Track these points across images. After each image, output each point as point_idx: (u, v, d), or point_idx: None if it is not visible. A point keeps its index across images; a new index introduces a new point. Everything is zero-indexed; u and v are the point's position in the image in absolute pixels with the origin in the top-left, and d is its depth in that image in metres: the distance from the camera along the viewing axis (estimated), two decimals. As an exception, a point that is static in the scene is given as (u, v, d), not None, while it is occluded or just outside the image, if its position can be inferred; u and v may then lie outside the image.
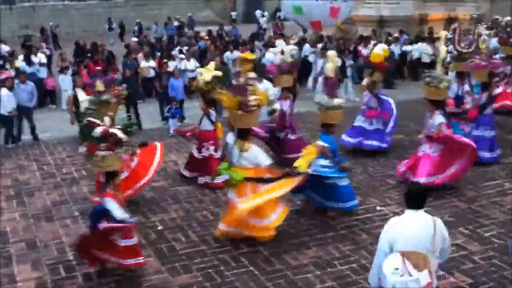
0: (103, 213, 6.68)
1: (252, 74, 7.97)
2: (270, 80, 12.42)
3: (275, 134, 11.00)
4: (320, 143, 8.22)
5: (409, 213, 4.85)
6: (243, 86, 7.84)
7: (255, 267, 7.04)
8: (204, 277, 6.85)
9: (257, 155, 7.80)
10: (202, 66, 19.09)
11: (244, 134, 7.88)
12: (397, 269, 4.55)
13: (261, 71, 14.04)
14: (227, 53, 19.40)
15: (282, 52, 11.24)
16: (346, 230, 8.01)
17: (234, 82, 8.00)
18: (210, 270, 7.00)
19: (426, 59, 20.22)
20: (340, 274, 6.83)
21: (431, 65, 20.10)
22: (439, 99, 9.44)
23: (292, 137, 10.97)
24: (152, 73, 17.94)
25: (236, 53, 19.34)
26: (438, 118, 9.17)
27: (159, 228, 8.29)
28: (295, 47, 12.10)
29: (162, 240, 7.85)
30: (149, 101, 16.46)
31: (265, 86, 11.62)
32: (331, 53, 9.27)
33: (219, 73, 9.98)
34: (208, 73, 9.90)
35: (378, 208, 8.68)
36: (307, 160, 8.04)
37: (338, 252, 7.38)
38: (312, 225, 8.19)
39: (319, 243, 7.66)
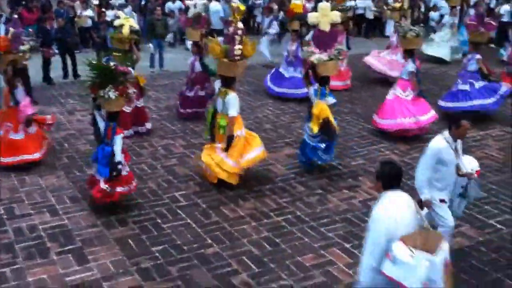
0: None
1: (241, 25, 8.00)
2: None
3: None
4: (331, 99, 8.28)
5: (393, 194, 4.30)
6: (232, 35, 7.71)
7: (192, 219, 7.06)
8: (140, 229, 6.82)
9: (230, 104, 7.69)
10: (144, 16, 18.79)
11: (228, 82, 7.81)
12: (412, 255, 4.02)
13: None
14: (169, 3, 18.92)
15: (195, 6, 11.55)
16: (283, 183, 8.12)
17: (226, 30, 8.19)
18: (146, 223, 6.97)
19: (369, 15, 20.39)
20: (276, 225, 6.95)
21: (375, 20, 20.41)
22: (411, 48, 9.97)
23: (202, 93, 10.81)
24: (89, 22, 17.30)
25: (178, 4, 18.90)
26: (410, 66, 9.77)
27: (95, 181, 8.14)
28: (205, 1, 12.58)
29: (98, 194, 7.72)
30: (86, 52, 15.90)
31: None
32: (324, 4, 8.85)
33: (135, 26, 10.21)
34: (125, 24, 9.95)
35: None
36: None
37: (275, 204, 7.49)
38: (250, 177, 8.25)
39: (256, 195, 7.74)
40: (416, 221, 4.27)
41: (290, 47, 12.52)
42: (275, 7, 18.19)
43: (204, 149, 7.99)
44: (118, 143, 7.01)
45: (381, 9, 18.94)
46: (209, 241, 6.58)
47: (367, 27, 20.73)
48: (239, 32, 7.70)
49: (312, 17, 8.60)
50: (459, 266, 5.83)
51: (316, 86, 8.17)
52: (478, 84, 10.61)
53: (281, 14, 17.26)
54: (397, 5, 13.87)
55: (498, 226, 6.85)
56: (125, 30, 9.86)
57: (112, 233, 6.73)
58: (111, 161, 6.92)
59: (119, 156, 7.00)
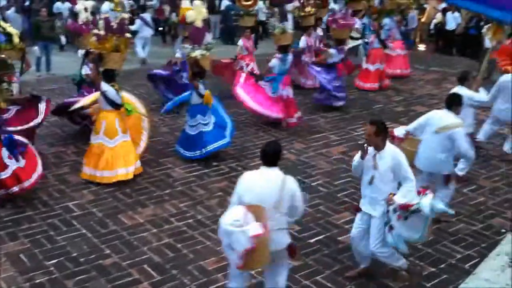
0: None
1: (126, 15, 8.90)
2: None
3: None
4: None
5: (262, 169, 4.74)
6: (121, 25, 8.15)
7: (88, 230, 6.78)
8: (32, 243, 6.45)
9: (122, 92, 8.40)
10: (29, 17, 17.84)
11: (114, 76, 8.19)
12: (237, 220, 4.44)
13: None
14: (58, 4, 18.16)
15: (86, 9, 10.56)
16: (183, 186, 8.02)
17: (111, 24, 8.17)
18: (38, 236, 6.60)
19: (262, 17, 20.73)
20: (177, 230, 6.84)
21: (267, 22, 20.77)
22: (280, 44, 10.74)
23: None
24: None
25: (67, 4, 18.17)
26: (272, 62, 10.51)
27: (-20, 194, 7.60)
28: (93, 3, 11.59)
29: (-16, 208, 7.22)
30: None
31: None
32: (198, 3, 9.55)
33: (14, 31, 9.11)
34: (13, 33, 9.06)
35: (214, 163, 8.77)
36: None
37: (175, 209, 7.37)
38: (149, 183, 8.08)
39: (155, 201, 7.58)
40: (275, 197, 4.60)
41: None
42: (168, 9, 18.02)
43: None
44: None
45: (272, 11, 19.27)
46: (107, 251, 6.34)
47: (261, 29, 21.05)
48: (126, 22, 8.31)
49: (189, 16, 9.53)
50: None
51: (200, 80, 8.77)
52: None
53: (173, 16, 17.06)
54: (311, 10, 13.22)
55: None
56: (16, 39, 8.87)
57: (2, 249, 6.30)
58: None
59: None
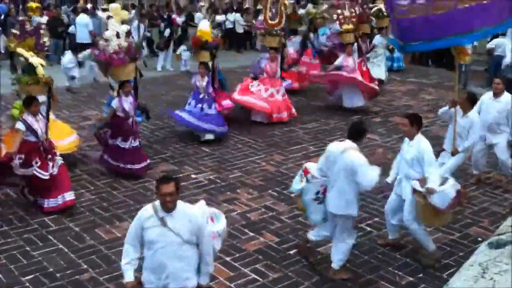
0: None
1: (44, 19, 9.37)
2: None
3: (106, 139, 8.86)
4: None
5: None
6: (37, 29, 8.46)
7: (65, 244, 6.69)
8: (8, 259, 6.34)
9: None
10: (4, 30, 17.67)
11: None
12: None
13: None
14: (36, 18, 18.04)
15: (118, 35, 8.80)
16: (161, 200, 7.95)
17: (25, 26, 8.46)
18: (14, 252, 6.49)
19: (240, 30, 20.88)
20: (155, 244, 6.76)
21: (245, 34, 20.93)
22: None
23: (136, 143, 8.91)
24: None
25: (45, 18, 18.08)
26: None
27: (-47, 210, 7.47)
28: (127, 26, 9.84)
29: (-43, 224, 7.08)
30: None
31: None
32: (115, 5, 9.58)
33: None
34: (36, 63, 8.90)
35: (193, 176, 8.77)
36: None
37: (153, 222, 7.30)
38: (126, 196, 8.01)
39: (133, 214, 7.44)
40: None
41: (199, 82, 10.36)
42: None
43: None
44: None
45: (250, 23, 19.40)
46: (84, 266, 6.26)
47: (238, 42, 21.14)
48: (43, 26, 8.89)
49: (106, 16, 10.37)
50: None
51: None
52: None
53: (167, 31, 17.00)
54: (348, 27, 12.47)
55: (369, 229, 7.21)
56: (40, 71, 7.61)
57: (-24, 265, 6.19)
58: None
59: None
